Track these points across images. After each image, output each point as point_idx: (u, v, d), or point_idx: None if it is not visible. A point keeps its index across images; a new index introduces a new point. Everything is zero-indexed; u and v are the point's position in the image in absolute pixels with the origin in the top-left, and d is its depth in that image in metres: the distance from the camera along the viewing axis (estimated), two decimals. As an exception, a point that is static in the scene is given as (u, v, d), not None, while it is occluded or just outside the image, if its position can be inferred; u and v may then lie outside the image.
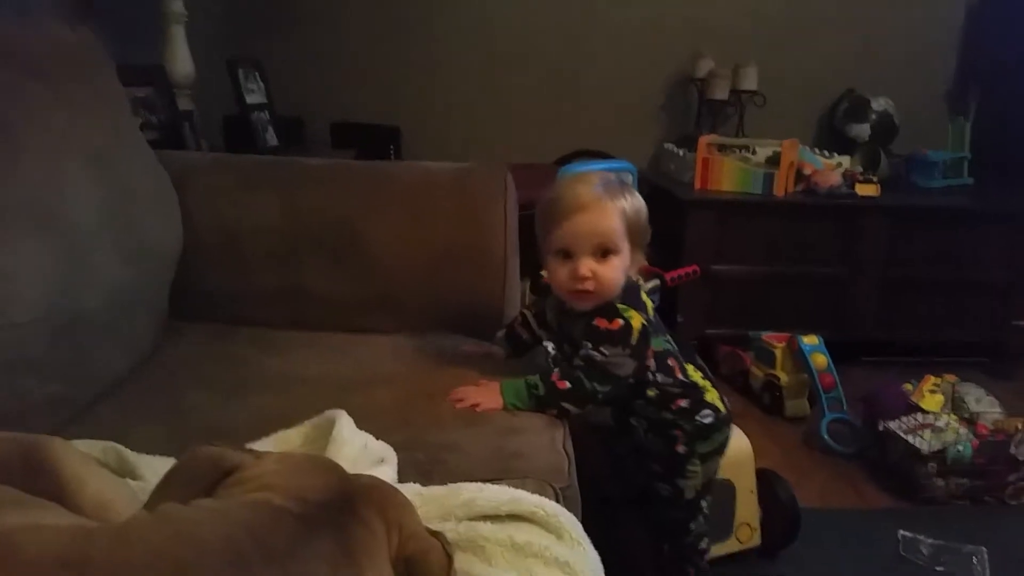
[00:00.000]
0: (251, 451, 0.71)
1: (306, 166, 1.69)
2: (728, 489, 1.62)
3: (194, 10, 2.27)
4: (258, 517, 0.61)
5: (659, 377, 1.34)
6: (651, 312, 1.33)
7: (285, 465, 0.68)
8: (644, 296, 1.34)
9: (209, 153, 2.17)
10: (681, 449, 1.38)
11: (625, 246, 1.28)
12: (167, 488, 0.69)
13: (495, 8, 2.99)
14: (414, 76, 3.01)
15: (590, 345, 1.25)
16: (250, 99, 2.38)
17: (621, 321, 1.25)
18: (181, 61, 2.24)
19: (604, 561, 0.94)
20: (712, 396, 1.39)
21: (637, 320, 1.26)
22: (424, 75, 3.01)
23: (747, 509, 1.66)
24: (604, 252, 1.26)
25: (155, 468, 0.92)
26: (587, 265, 1.25)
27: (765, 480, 1.70)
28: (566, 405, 1.24)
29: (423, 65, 3.01)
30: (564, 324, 1.37)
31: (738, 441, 1.63)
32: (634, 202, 1.30)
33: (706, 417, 1.37)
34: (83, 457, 0.74)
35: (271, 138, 2.42)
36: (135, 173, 1.42)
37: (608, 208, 1.26)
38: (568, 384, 1.23)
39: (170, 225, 1.50)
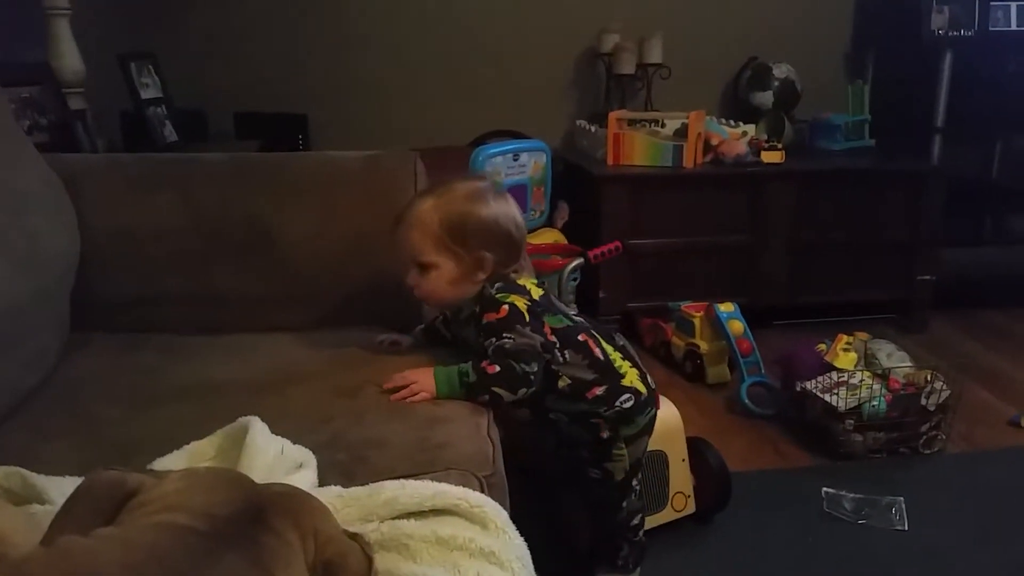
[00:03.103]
0: (152, 471, 0.68)
1: (205, 162, 1.63)
2: (661, 459, 1.64)
3: (79, 3, 2.17)
4: (162, 540, 0.59)
5: (568, 355, 1.32)
6: (536, 295, 1.33)
7: (189, 483, 0.65)
8: (525, 281, 1.35)
9: (103, 154, 2.08)
10: (605, 434, 1.39)
11: (443, 258, 1.31)
12: (66, 519, 0.65)
13: (398, -11, 2.94)
14: (319, 61, 2.94)
15: (494, 340, 1.25)
16: (145, 94, 2.29)
17: (506, 306, 1.27)
18: (69, 58, 2.14)
19: (541, 537, 0.94)
20: (631, 378, 1.37)
21: (520, 301, 1.29)
22: (330, 60, 2.95)
23: (680, 478, 1.69)
24: (420, 267, 1.32)
25: (63, 490, 0.88)
26: (411, 277, 1.33)
27: (695, 448, 1.73)
28: (497, 390, 1.22)
29: (329, 49, 2.94)
30: (456, 329, 1.39)
31: (668, 411, 1.64)
32: (449, 210, 1.30)
33: (626, 402, 1.36)
34: (-25, 490, 0.70)
35: (170, 133, 2.34)
36: (22, 179, 1.35)
37: (412, 224, 1.31)
38: (498, 368, 1.22)
39: (65, 232, 1.43)
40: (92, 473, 0.68)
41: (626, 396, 1.36)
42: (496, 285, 1.30)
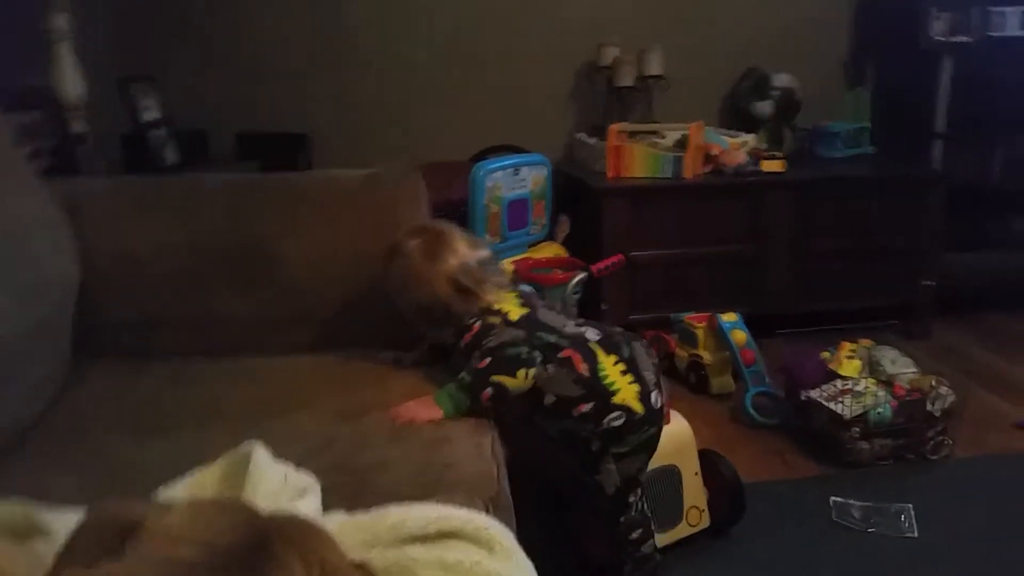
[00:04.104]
0: (156, 503, 0.68)
1: (204, 183, 1.64)
2: (674, 474, 1.63)
3: (81, 27, 2.17)
4: (165, 573, 0.58)
5: (550, 369, 1.31)
6: (516, 316, 1.36)
7: (192, 513, 0.65)
8: (504, 306, 1.38)
9: (104, 177, 2.08)
10: (595, 447, 1.37)
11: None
12: (69, 555, 0.65)
13: (398, 5, 2.94)
14: (320, 81, 2.95)
15: (477, 352, 1.30)
16: (146, 116, 2.30)
17: (477, 323, 1.34)
18: (70, 81, 2.14)
19: (549, 556, 0.93)
20: (624, 396, 1.34)
21: (491, 319, 1.35)
22: (330, 79, 2.95)
23: (694, 492, 1.67)
24: None
25: (67, 522, 0.87)
26: None
27: (707, 460, 1.72)
28: (497, 378, 1.25)
29: (329, 69, 2.94)
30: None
31: (679, 425, 1.63)
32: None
33: (615, 420, 1.33)
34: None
35: (171, 155, 2.34)
36: (23, 207, 1.35)
37: None
38: (489, 359, 1.27)
39: (65, 257, 1.43)
40: (95, 506, 0.68)
41: (615, 414, 1.33)
42: (470, 315, 1.37)
